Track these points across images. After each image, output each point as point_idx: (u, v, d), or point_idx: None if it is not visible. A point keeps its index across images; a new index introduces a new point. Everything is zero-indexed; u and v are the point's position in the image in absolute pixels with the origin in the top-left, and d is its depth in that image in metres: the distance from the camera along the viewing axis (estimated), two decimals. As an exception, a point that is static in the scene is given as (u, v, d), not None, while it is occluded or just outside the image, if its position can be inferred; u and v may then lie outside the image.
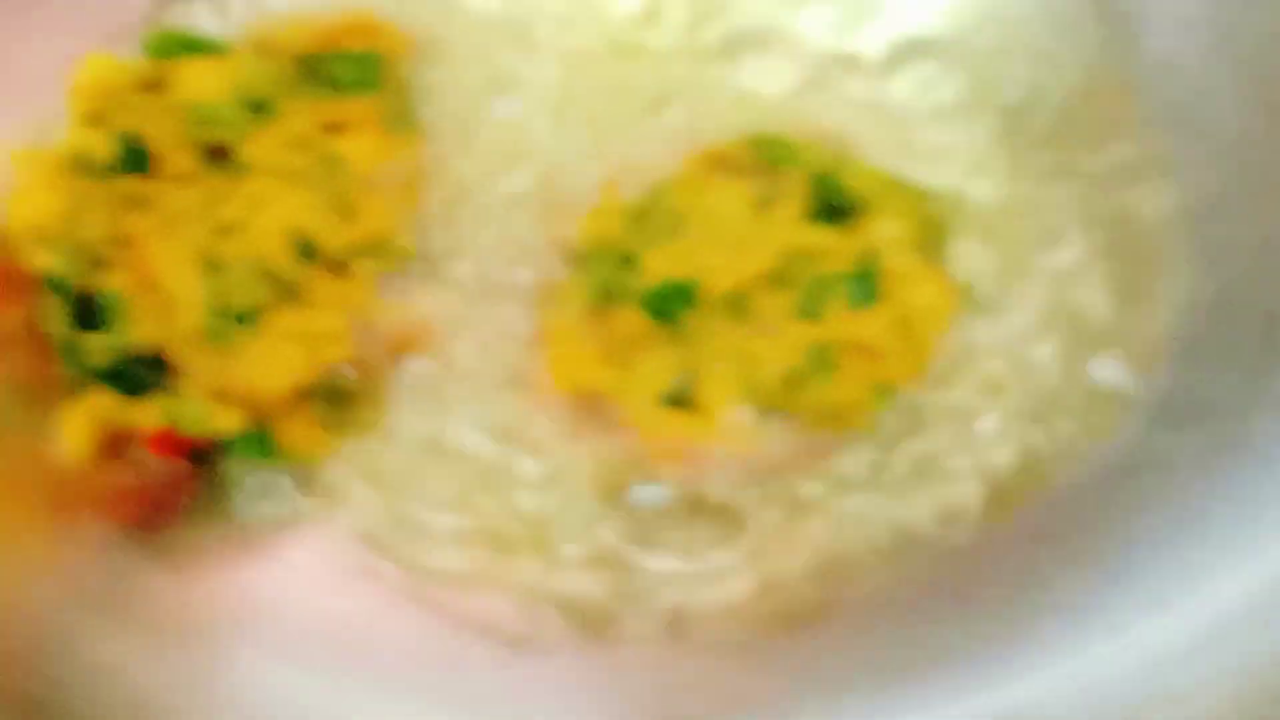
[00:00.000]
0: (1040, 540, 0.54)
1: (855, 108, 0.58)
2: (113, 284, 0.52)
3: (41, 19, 0.58)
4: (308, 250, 0.54)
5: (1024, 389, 0.56)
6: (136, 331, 0.52)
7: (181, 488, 0.53)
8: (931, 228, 0.55)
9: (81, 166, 0.54)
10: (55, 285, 0.53)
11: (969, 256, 0.56)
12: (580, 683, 0.53)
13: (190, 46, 0.56)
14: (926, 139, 0.58)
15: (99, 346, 0.52)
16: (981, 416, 0.55)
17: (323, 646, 0.53)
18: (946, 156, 0.57)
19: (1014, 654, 0.52)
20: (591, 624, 0.54)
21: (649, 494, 0.55)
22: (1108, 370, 0.56)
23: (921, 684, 0.52)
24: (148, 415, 0.52)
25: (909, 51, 0.59)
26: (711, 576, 0.54)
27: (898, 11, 0.59)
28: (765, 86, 0.58)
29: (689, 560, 0.54)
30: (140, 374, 0.52)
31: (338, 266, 0.54)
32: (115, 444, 0.52)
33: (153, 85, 0.55)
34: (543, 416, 0.55)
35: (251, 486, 0.54)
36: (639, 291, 0.54)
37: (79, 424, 0.52)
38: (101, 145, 0.54)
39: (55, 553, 0.52)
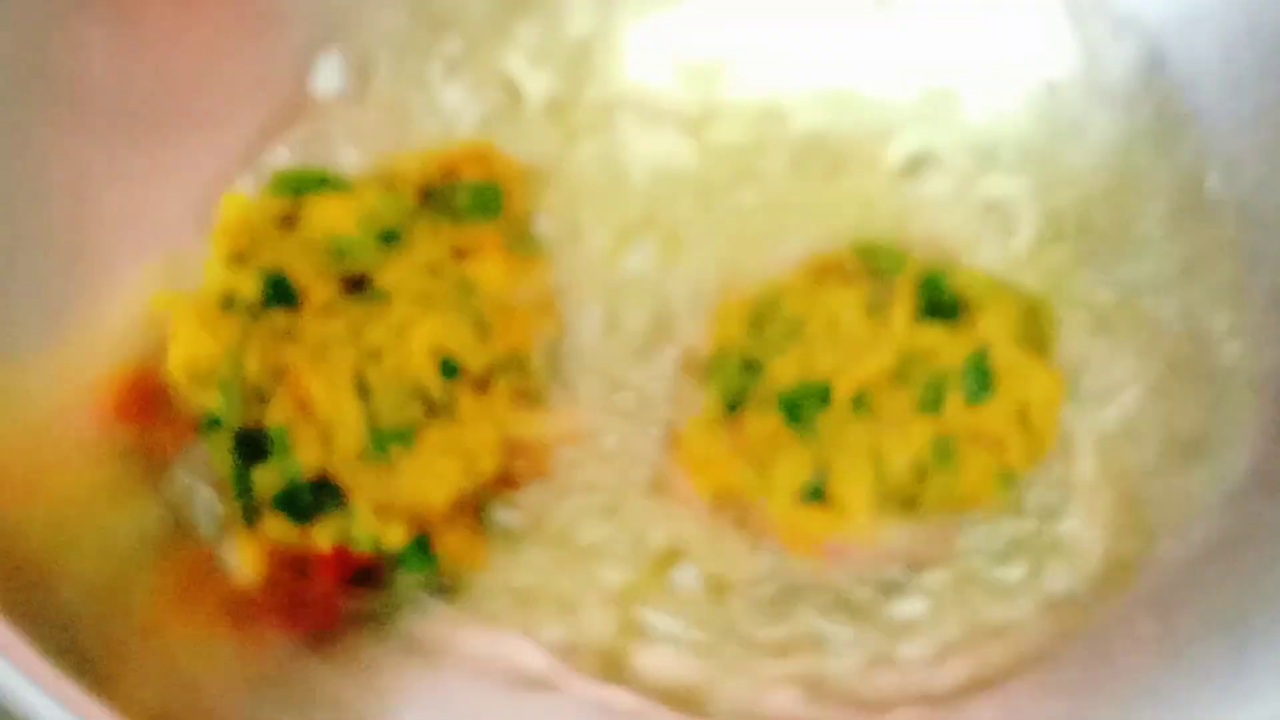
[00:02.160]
0: (1167, 609, 0.56)
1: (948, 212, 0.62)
2: (273, 416, 0.54)
3: (162, 159, 0.60)
4: (451, 369, 0.56)
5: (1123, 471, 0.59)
6: (301, 458, 0.54)
7: (347, 604, 0.55)
8: (1036, 323, 0.59)
9: (231, 305, 0.56)
10: (219, 423, 0.54)
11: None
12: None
13: (318, 183, 0.59)
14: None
15: (267, 478, 0.54)
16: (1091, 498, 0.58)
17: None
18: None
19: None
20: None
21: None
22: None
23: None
24: (320, 536, 0.54)
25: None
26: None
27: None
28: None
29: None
30: (308, 499, 0.54)
31: (480, 384, 0.56)
32: (287, 566, 0.54)
33: (286, 222, 0.58)
34: (686, 521, 0.58)
35: (416, 600, 0.56)
36: (766, 395, 0.57)
37: (253, 550, 0.54)
38: (249, 283, 0.56)
39: (239, 656, 0.53)
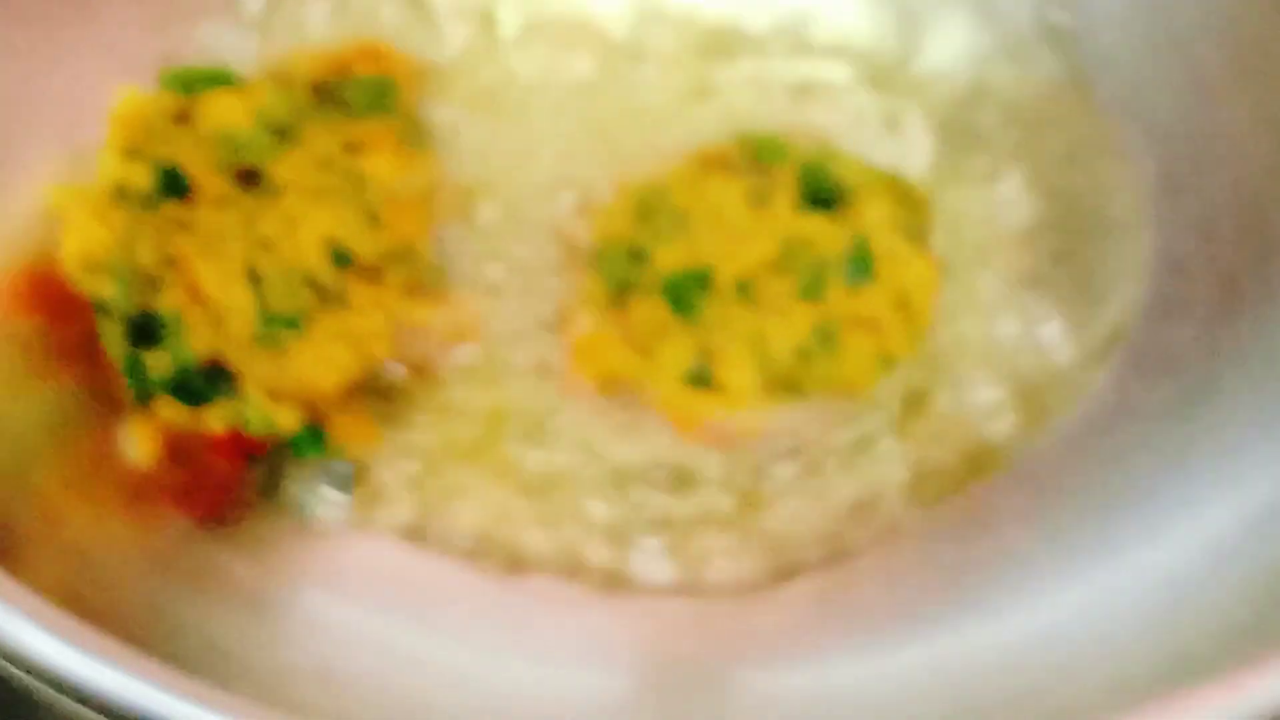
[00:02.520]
0: (1039, 486, 0.58)
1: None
2: (166, 303, 0.55)
3: (58, 55, 0.61)
4: (343, 259, 0.57)
5: (1000, 355, 0.61)
6: (193, 344, 0.55)
7: (244, 484, 0.56)
8: (914, 212, 0.60)
9: (124, 197, 0.57)
10: (112, 309, 0.56)
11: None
12: (597, 631, 0.57)
13: (210, 80, 0.60)
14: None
15: (160, 362, 0.55)
16: (973, 382, 0.60)
17: (376, 598, 0.56)
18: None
19: (1022, 585, 0.56)
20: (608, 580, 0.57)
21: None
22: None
23: (930, 621, 0.56)
24: (213, 420, 0.55)
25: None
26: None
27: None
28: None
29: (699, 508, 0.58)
30: (201, 384, 0.55)
31: (371, 274, 0.58)
32: (181, 449, 0.55)
33: (180, 118, 0.59)
34: (571, 405, 0.59)
35: (309, 482, 0.57)
36: (653, 284, 0.58)
37: (147, 434, 0.55)
38: (142, 176, 0.57)
39: (137, 537, 0.55)
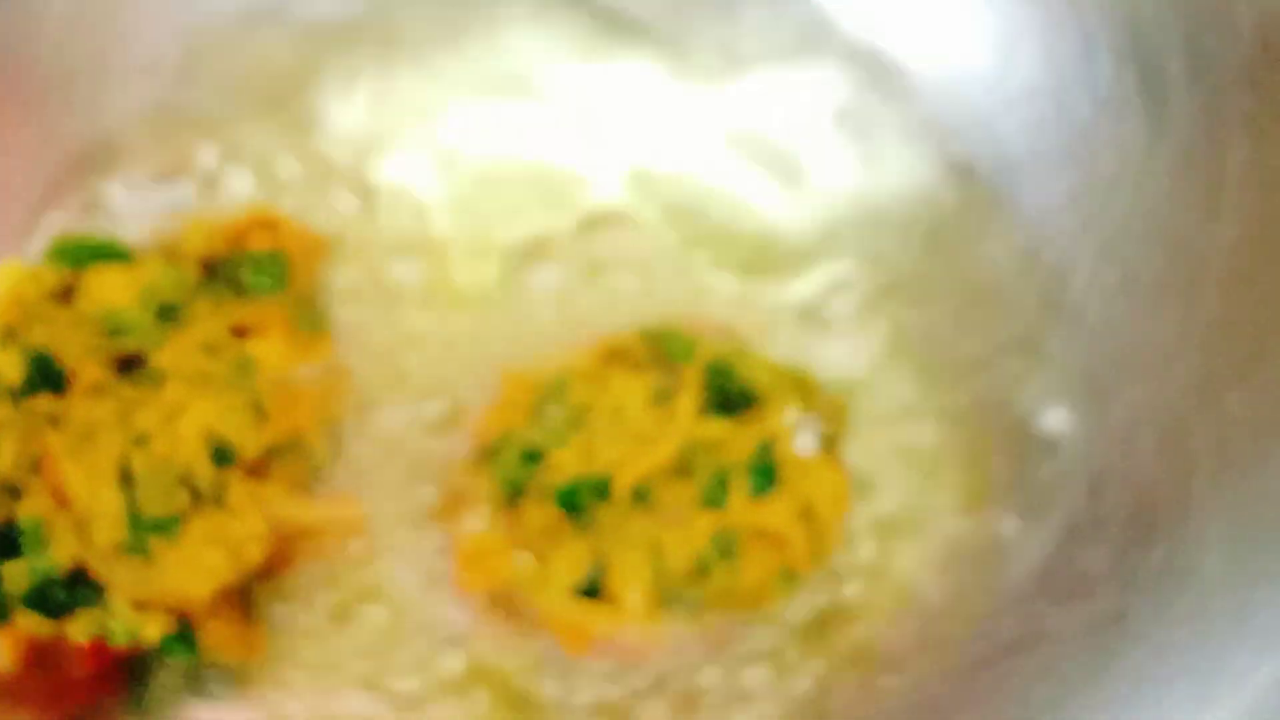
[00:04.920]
0: (943, 708, 0.56)
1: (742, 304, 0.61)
2: (27, 510, 0.53)
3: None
4: (224, 456, 0.55)
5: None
6: (56, 554, 0.53)
7: (108, 689, 0.54)
8: (828, 418, 0.58)
9: None
10: None
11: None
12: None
13: (98, 253, 0.57)
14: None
15: (18, 574, 0.52)
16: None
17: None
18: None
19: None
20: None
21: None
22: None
23: None
24: (75, 630, 0.53)
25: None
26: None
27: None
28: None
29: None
30: (62, 595, 0.53)
31: (253, 469, 0.55)
32: (42, 654, 0.53)
33: (63, 295, 0.56)
34: (458, 613, 0.57)
35: (178, 686, 0.55)
36: (547, 486, 0.56)
37: (5, 643, 0.53)
38: (13, 366, 0.54)
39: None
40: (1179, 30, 0.60)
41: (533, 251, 0.61)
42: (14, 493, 0.53)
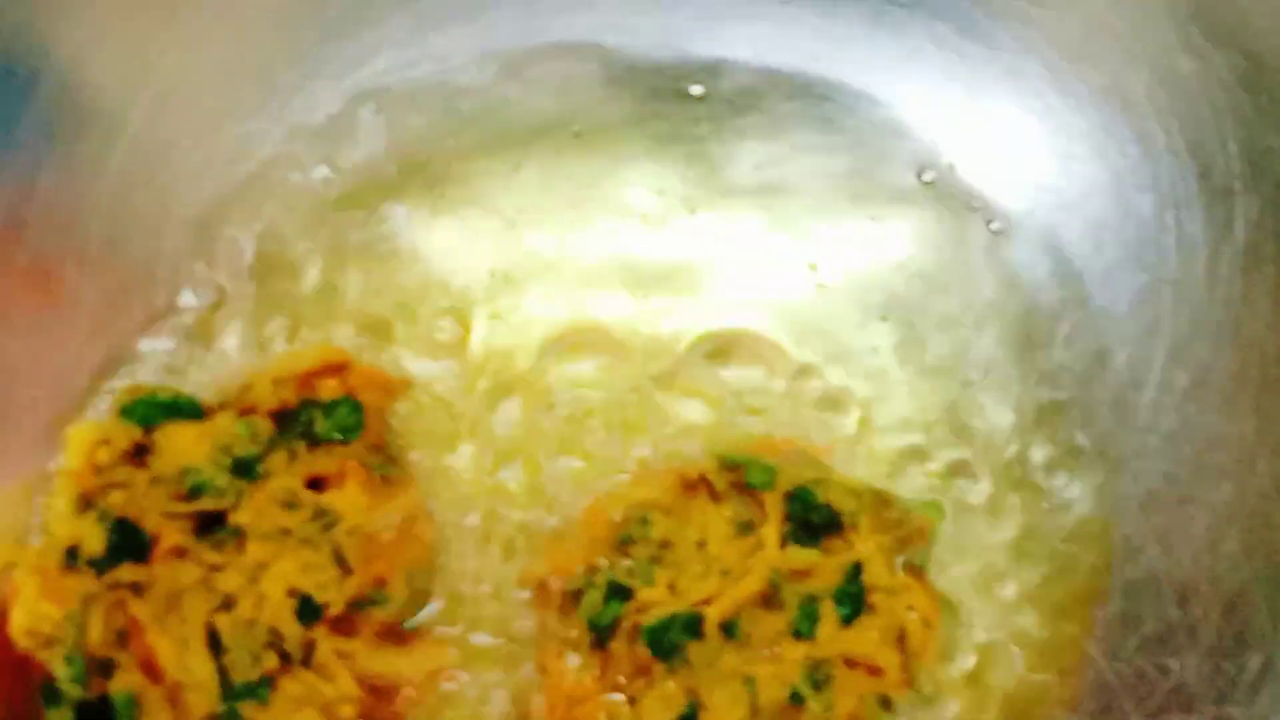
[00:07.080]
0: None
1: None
2: (118, 684, 0.52)
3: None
4: (310, 612, 0.54)
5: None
6: (151, 727, 0.52)
7: None
8: (912, 537, 0.57)
9: (75, 560, 0.53)
10: (59, 698, 0.52)
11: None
12: None
13: (168, 410, 0.56)
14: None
15: (114, 751, 0.52)
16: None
17: None
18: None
19: None
20: None
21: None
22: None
23: None
24: (172, 805, 0.52)
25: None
26: None
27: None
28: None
29: None
30: (155, 771, 0.52)
31: (340, 623, 0.55)
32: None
33: (137, 453, 0.55)
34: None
35: None
36: (635, 626, 0.55)
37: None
38: (95, 535, 0.53)
39: None
40: (1237, 130, 0.60)
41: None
42: (104, 666, 0.52)
